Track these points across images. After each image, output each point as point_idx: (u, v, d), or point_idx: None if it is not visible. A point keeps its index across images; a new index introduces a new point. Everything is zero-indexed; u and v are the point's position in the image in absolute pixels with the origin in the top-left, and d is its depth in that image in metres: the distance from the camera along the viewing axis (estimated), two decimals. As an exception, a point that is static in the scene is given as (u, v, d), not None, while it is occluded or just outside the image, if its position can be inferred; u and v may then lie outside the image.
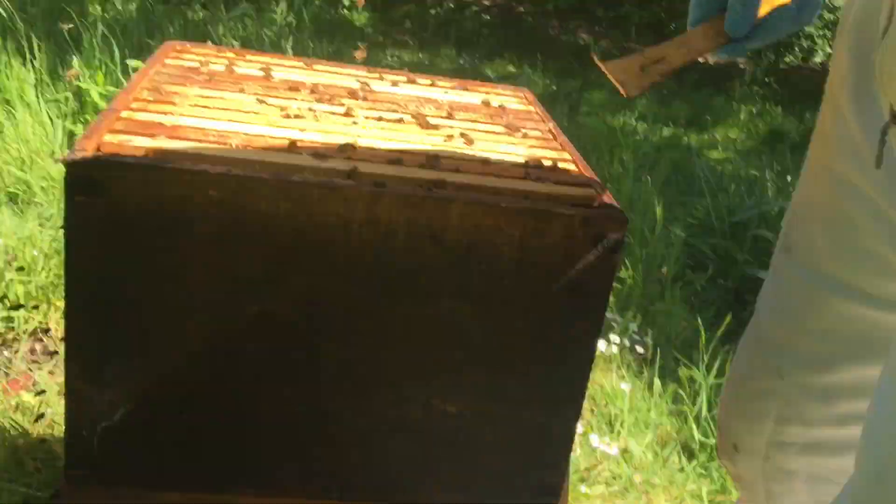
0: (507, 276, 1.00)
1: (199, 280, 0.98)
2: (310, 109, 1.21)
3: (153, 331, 0.99)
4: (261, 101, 1.20)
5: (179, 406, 1.02)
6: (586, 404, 2.02)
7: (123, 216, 0.94)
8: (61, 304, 2.09)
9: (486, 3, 6.81)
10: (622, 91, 0.88)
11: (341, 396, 1.03)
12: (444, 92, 1.44)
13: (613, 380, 2.20)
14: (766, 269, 2.77)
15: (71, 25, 3.34)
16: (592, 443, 1.93)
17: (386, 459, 1.05)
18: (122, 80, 3.03)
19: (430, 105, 1.34)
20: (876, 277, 0.86)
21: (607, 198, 1.06)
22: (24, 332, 1.95)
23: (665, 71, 0.89)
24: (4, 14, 3.37)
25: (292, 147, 1.05)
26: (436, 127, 1.24)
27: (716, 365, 2.19)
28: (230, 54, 1.41)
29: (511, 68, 5.57)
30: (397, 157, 1.08)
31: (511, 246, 0.99)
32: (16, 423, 1.67)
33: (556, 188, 1.07)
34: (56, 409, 1.77)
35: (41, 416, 1.72)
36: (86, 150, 0.94)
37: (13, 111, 2.73)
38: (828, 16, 5.81)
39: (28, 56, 3.03)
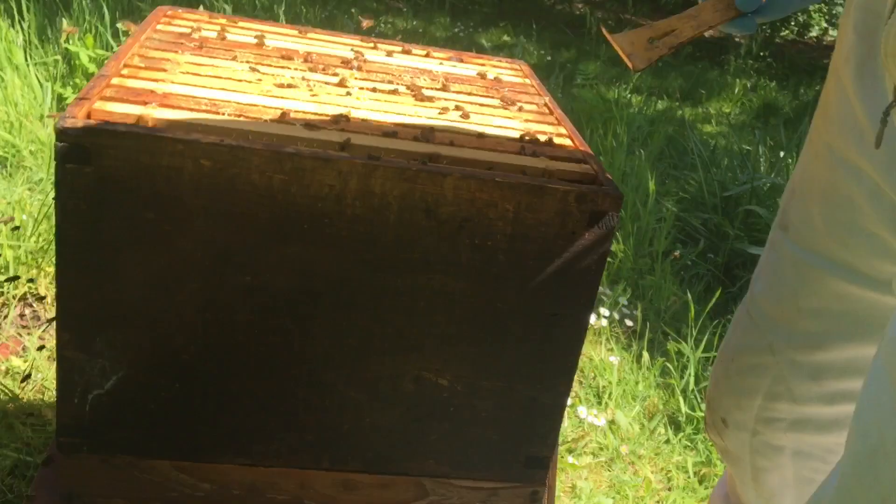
0: (500, 250, 1.00)
1: (191, 250, 0.97)
2: (303, 79, 1.20)
3: (144, 300, 0.98)
4: (253, 70, 1.19)
5: (170, 375, 1.02)
6: (575, 376, 2.04)
7: (114, 185, 0.93)
8: (51, 269, 2.08)
9: (482, -30, 6.74)
10: (629, 63, 0.87)
11: (333, 367, 1.03)
12: (440, 63, 1.43)
13: (602, 352, 2.22)
14: (756, 245, 2.78)
15: (60, -14, 3.29)
16: (580, 414, 1.94)
17: (378, 430, 1.05)
18: (112, 43, 2.99)
19: (425, 76, 1.33)
20: (872, 258, 0.86)
21: (602, 174, 1.06)
22: (14, 297, 1.94)
23: (673, 44, 0.88)
24: (-8, -26, 3.31)
25: (285, 117, 1.04)
26: (431, 99, 1.23)
27: (704, 339, 2.20)
28: (222, 20, 1.39)
29: (506, 38, 5.53)
30: (391, 130, 1.07)
31: (505, 220, 0.99)
32: (5, 387, 1.67)
33: (552, 163, 1.07)
34: (46, 373, 1.77)
35: (28, 376, 1.72)
36: (76, 116, 0.93)
37: (1, 73, 2.70)
38: (825, -10, 5.78)
39: (17, 17, 2.99)
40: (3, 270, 1.97)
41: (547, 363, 1.04)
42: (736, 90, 5.57)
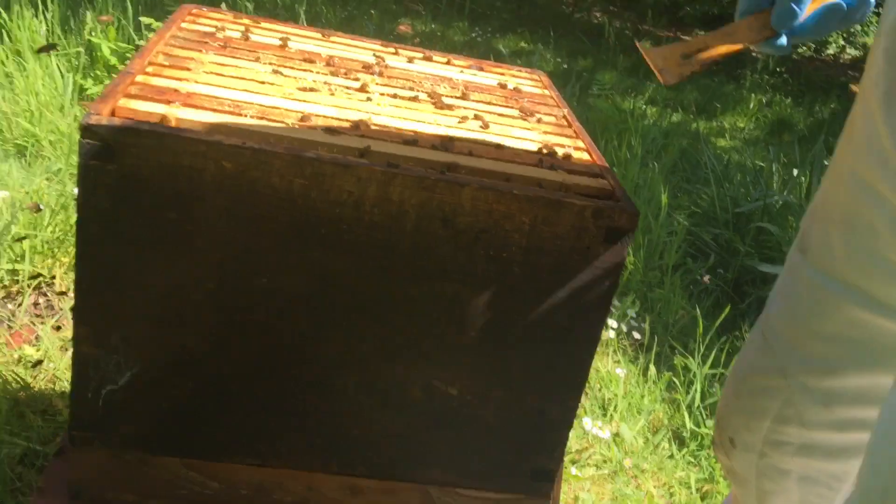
0: (515, 262, 1.01)
1: (209, 250, 0.98)
2: (325, 83, 1.21)
3: (161, 298, 0.99)
4: (276, 72, 1.20)
5: (184, 373, 1.03)
6: (581, 387, 2.04)
7: (136, 183, 0.94)
8: (66, 259, 2.09)
9: (502, -25, 6.75)
10: (660, 78, 0.88)
11: (345, 372, 1.04)
12: (460, 71, 1.44)
13: (609, 364, 2.22)
14: (767, 263, 2.77)
15: (84, -22, 3.31)
16: (585, 426, 1.95)
17: (386, 436, 1.06)
18: (134, 36, 3.01)
19: (446, 84, 1.34)
20: (891, 287, 0.86)
21: (619, 190, 1.06)
22: (29, 286, 1.96)
23: (706, 61, 0.89)
24: (17, -37, 3.33)
25: (306, 121, 1.05)
26: (450, 107, 1.24)
27: (711, 355, 2.20)
28: (246, 21, 1.40)
29: (523, 44, 5.54)
30: (411, 137, 1.08)
31: (521, 233, 1.00)
32: (17, 376, 1.68)
33: (569, 177, 1.07)
34: (58, 363, 1.78)
35: (39, 362, 1.73)
36: (101, 113, 0.94)
37: (24, 62, 2.72)
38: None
39: (40, 7, 3.01)
40: (19, 259, 1.98)
41: (557, 377, 1.05)
42: (751, 105, 5.56)
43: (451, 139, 1.10)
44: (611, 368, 2.19)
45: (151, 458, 1.05)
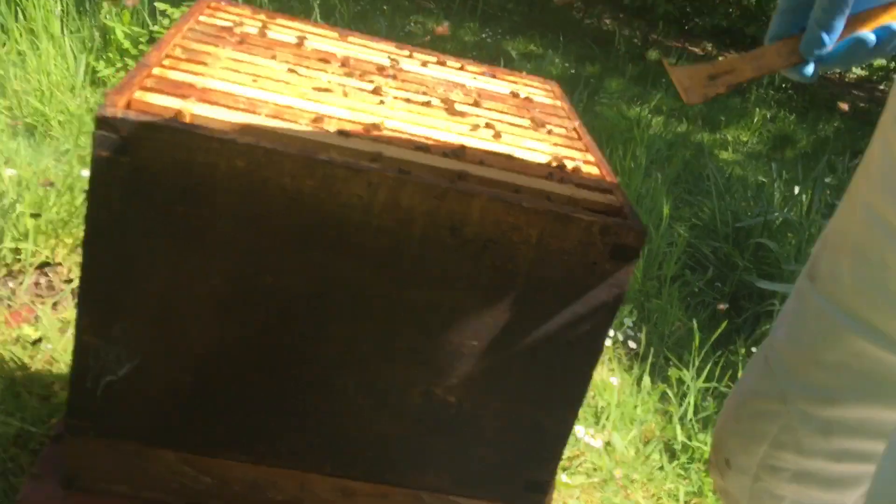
0: (520, 274, 1.01)
1: (217, 247, 0.98)
2: (339, 84, 1.21)
3: (166, 292, 1.00)
4: (291, 71, 1.20)
5: (184, 367, 1.03)
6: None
7: (148, 177, 0.95)
8: (70, 240, 2.10)
9: (514, -24, 6.75)
10: (684, 97, 0.88)
11: (345, 374, 1.04)
12: (473, 77, 1.44)
13: (604, 373, 2.23)
14: (765, 279, 2.78)
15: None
16: (577, 433, 1.95)
17: (382, 440, 1.07)
18: (149, 21, 3.00)
19: (459, 90, 1.35)
20: None
21: (628, 207, 1.07)
22: (31, 266, 1.96)
23: (732, 83, 0.89)
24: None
25: (320, 122, 1.06)
26: (463, 114, 1.24)
27: (706, 369, 2.21)
28: (264, 17, 1.40)
29: (533, 47, 5.53)
30: (423, 144, 1.08)
31: (528, 245, 1.00)
32: (15, 355, 1.68)
33: (578, 192, 1.08)
34: (56, 344, 1.79)
35: (38, 341, 1.74)
36: (116, 105, 0.95)
37: (37, 42, 2.71)
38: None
39: (56, -14, 3.00)
40: (22, 238, 1.98)
41: (556, 390, 1.06)
42: (755, 119, 5.57)
43: (462, 147, 1.10)
44: (605, 377, 2.20)
45: (147, 450, 1.05)
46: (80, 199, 2.16)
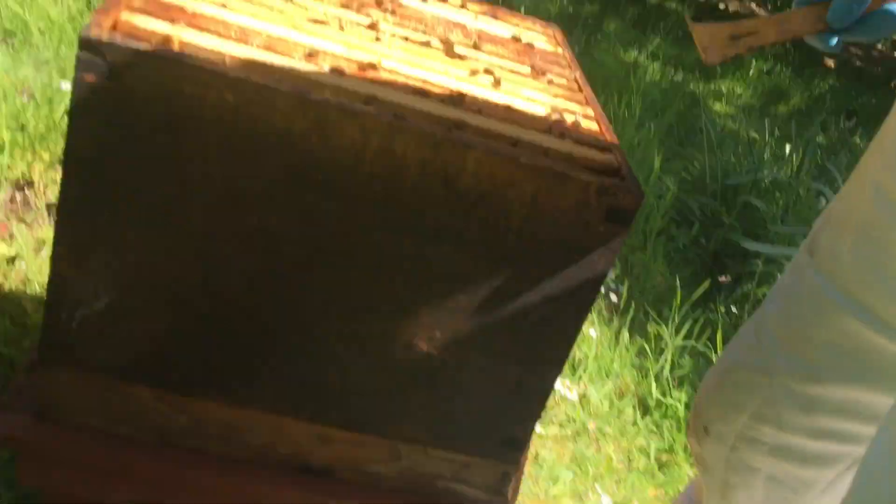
0: (512, 230, 0.98)
1: (201, 182, 0.95)
2: (335, 16, 1.16)
3: (146, 226, 0.96)
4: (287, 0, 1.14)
5: (162, 305, 1.00)
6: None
7: (132, 104, 0.90)
8: (48, 156, 2.04)
9: None
10: (703, 56, 0.85)
11: (327, 321, 1.02)
12: (474, 17, 1.39)
13: (583, 325, 2.22)
14: (750, 238, 2.78)
15: None
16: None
17: (361, 390, 1.05)
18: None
19: (458, 31, 1.30)
20: (894, 305, 0.85)
21: (626, 168, 1.04)
22: (6, 180, 1.91)
23: (753, 45, 0.85)
24: None
25: (314, 57, 1.01)
26: (462, 57, 1.20)
27: (685, 327, 2.21)
28: (259, -62, 1.33)
29: (532, -18, 5.40)
30: (420, 88, 1.04)
31: (521, 202, 0.97)
32: (-14, 274, 1.65)
33: (577, 148, 1.05)
34: (31, 264, 1.75)
35: (13, 259, 1.70)
36: (102, 26, 0.90)
37: (17, -56, 2.60)
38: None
39: None
40: (-2, 152, 1.93)
41: (540, 349, 1.04)
42: (751, 72, 5.51)
43: (460, 95, 1.06)
44: (584, 329, 2.20)
45: (122, 385, 1.03)
46: (60, 112, 2.10)
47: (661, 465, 1.92)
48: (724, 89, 5.11)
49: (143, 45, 0.88)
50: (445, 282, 1.00)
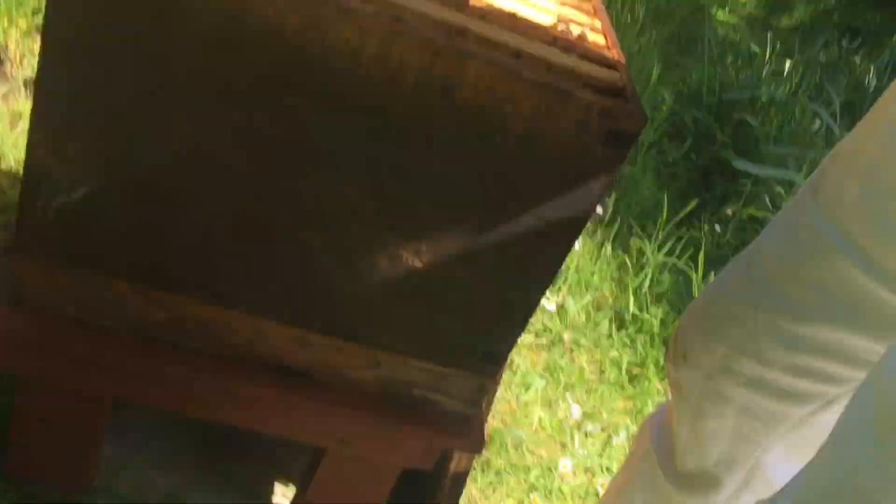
0: (508, 147, 0.95)
1: (188, 74, 0.90)
2: None
3: (127, 116, 0.92)
4: None
5: (143, 198, 0.97)
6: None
7: (116, -14, 0.85)
8: (24, 24, 1.95)
9: None
10: None
11: (312, 227, 0.99)
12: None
13: (567, 234, 2.22)
14: (741, 158, 2.75)
15: None
16: (533, 293, 1.96)
17: (343, 297, 1.04)
18: None
19: (466, -74, 1.22)
20: (892, 253, 0.83)
21: (630, 88, 1.00)
22: (-20, 49, 1.83)
23: None
24: None
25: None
26: (468, -44, 1.13)
27: (668, 245, 2.21)
28: None
29: None
30: (423, -15, 0.99)
31: (520, 118, 0.94)
32: (-40, 146, 1.60)
33: (581, 64, 1.00)
34: (5, 138, 1.70)
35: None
36: None
37: None
38: None
39: None
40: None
41: (527, 268, 1.03)
42: (759, -20, 5.34)
43: (465, -2, 1.01)
44: (568, 239, 2.19)
45: (99, 277, 1.01)
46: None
47: (632, 378, 1.95)
48: (729, -3, 4.97)
49: (129, -78, 0.82)
50: (437, 196, 0.98)
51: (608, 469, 1.72)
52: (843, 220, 0.87)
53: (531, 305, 1.07)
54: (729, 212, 2.55)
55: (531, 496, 1.60)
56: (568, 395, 1.83)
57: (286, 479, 1.43)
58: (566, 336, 1.93)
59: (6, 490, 1.18)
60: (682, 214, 2.32)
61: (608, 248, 2.22)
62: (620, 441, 1.78)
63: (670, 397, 1.14)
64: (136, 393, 1.11)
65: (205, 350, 1.08)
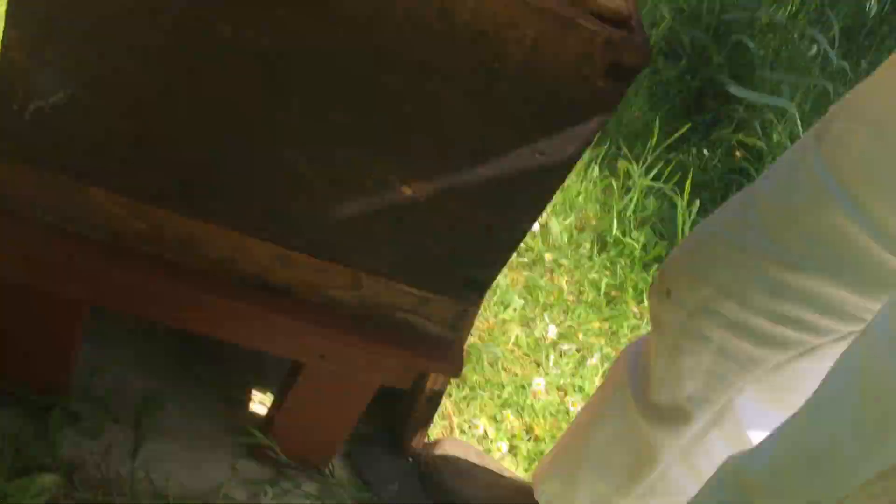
0: (506, 75, 0.92)
1: (173, -21, 0.86)
2: None
3: (109, 21, 0.88)
4: None
5: (123, 107, 0.94)
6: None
7: None
8: None
9: None
10: None
11: (298, 145, 0.97)
12: None
13: (555, 152, 2.19)
14: (736, 83, 2.70)
15: None
16: (517, 211, 1.95)
17: (327, 217, 1.02)
18: None
19: None
20: (891, 210, 0.82)
21: (636, 18, 0.96)
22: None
23: None
24: None
25: None
26: None
27: (656, 169, 2.20)
28: None
29: None
30: None
31: (520, 46, 0.90)
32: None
33: (586, -11, 0.96)
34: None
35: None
36: None
37: None
38: None
39: None
40: None
41: (517, 200, 1.01)
42: None
43: None
44: (555, 157, 2.17)
45: (77, 185, 0.98)
46: None
47: (610, 301, 1.97)
48: None
49: None
50: (429, 120, 0.95)
51: (580, 388, 1.75)
52: (845, 172, 0.86)
53: (518, 236, 1.06)
54: (718, 137, 2.52)
55: (504, 412, 1.63)
56: (545, 314, 1.85)
57: (264, 387, 1.44)
58: (548, 256, 1.93)
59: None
60: (672, 138, 2.29)
61: (595, 169, 2.21)
62: (594, 362, 1.80)
63: (650, 330, 1.15)
64: (114, 301, 1.10)
65: (184, 263, 1.06)
